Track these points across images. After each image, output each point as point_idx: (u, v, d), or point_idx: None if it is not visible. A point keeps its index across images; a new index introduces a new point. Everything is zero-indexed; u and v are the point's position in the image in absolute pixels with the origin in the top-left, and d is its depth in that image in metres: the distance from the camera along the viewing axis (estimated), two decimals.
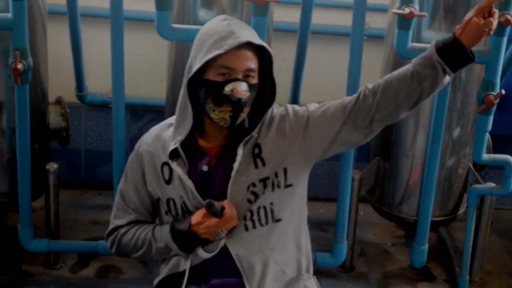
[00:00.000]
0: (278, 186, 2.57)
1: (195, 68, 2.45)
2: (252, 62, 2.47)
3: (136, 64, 4.29)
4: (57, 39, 4.02)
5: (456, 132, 3.67)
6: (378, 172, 3.89)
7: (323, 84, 4.44)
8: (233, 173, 2.54)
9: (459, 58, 2.47)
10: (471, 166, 3.78)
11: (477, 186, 3.65)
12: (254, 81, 2.50)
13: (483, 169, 3.99)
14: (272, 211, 2.57)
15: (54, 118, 3.86)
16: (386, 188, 3.86)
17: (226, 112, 2.47)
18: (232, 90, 2.44)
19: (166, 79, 3.77)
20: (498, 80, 3.31)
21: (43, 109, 3.77)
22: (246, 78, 2.46)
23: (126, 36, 3.23)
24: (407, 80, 2.51)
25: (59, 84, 4.13)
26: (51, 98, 3.90)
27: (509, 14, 3.15)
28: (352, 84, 3.30)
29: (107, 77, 3.27)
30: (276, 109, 2.64)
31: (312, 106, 2.66)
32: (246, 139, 2.55)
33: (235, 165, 2.54)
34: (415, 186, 3.74)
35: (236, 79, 2.44)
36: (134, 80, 4.14)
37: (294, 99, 4.24)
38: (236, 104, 2.45)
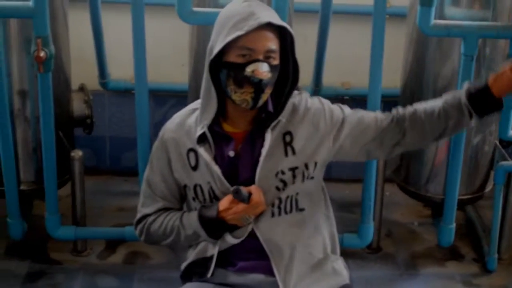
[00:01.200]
0: (307, 178, 2.58)
1: (216, 50, 2.43)
2: (272, 43, 2.46)
3: (158, 49, 4.27)
4: (78, 27, 4.02)
5: None
6: (403, 152, 3.86)
7: (346, 65, 4.43)
8: (261, 158, 2.53)
9: (487, 106, 2.57)
10: (497, 143, 3.75)
11: (504, 163, 3.62)
12: (275, 62, 2.48)
13: (509, 146, 3.95)
14: (296, 201, 2.58)
15: (77, 106, 3.88)
16: (412, 168, 3.85)
17: (247, 94, 2.46)
18: (253, 71, 2.43)
19: (188, 64, 3.77)
20: None
21: (66, 96, 3.78)
22: (267, 59, 2.45)
23: (147, 22, 3.22)
24: (434, 116, 2.61)
25: (82, 71, 4.15)
26: (74, 85, 3.92)
27: None
28: (375, 63, 3.27)
29: (129, 63, 3.27)
30: (309, 100, 2.63)
31: (347, 110, 2.70)
32: (273, 123, 2.54)
33: (264, 150, 2.53)
34: (441, 165, 3.72)
35: (257, 60, 2.43)
36: (156, 66, 4.13)
37: (317, 80, 4.23)
38: (258, 85, 2.44)
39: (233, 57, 2.44)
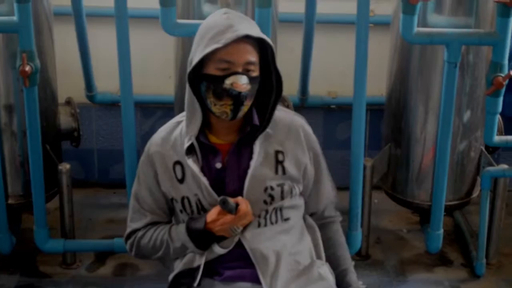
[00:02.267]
0: (295, 195, 2.63)
1: (194, 62, 2.45)
2: (251, 55, 2.47)
3: (145, 61, 4.31)
4: (64, 40, 4.04)
5: (467, 115, 3.66)
6: (390, 159, 3.89)
7: (332, 74, 4.45)
8: (250, 171, 2.55)
9: None
10: (483, 149, 3.77)
11: (490, 168, 3.64)
12: (255, 73, 2.50)
13: (495, 152, 3.99)
14: (281, 212, 2.61)
15: (64, 119, 3.89)
16: (399, 175, 3.86)
17: (227, 106, 2.48)
18: (232, 84, 2.44)
19: (174, 75, 3.78)
20: (506, 62, 3.28)
21: (53, 110, 3.78)
22: (246, 71, 2.46)
23: (133, 34, 3.23)
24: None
25: (69, 85, 4.15)
26: (61, 99, 3.92)
27: None
28: (360, 72, 3.27)
29: (116, 76, 3.27)
30: (306, 128, 2.68)
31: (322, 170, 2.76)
32: (260, 135, 2.56)
33: (252, 163, 2.55)
34: (427, 171, 3.74)
35: (236, 73, 2.45)
36: (143, 78, 4.15)
37: (303, 89, 4.25)
38: (237, 98, 2.46)
39: (212, 70, 2.46)
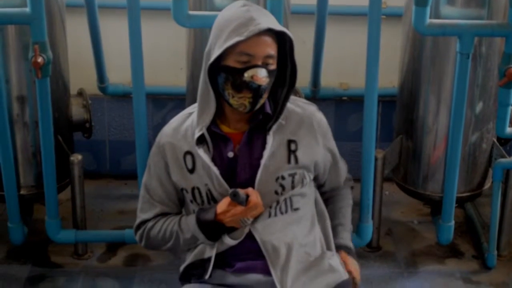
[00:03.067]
0: (305, 185, 2.64)
1: (215, 54, 2.44)
2: (271, 49, 2.47)
3: (156, 53, 4.31)
4: (76, 32, 4.05)
5: (479, 107, 3.65)
6: (402, 151, 3.88)
7: (344, 66, 4.44)
8: (263, 161, 2.55)
9: None
10: (495, 141, 3.76)
11: (502, 160, 3.64)
12: (273, 67, 2.50)
13: (507, 143, 3.97)
14: (291, 201, 2.61)
15: (76, 110, 3.89)
16: (410, 166, 3.86)
17: (245, 98, 2.48)
18: (252, 77, 2.44)
19: (186, 67, 3.78)
20: None
21: (65, 101, 3.80)
22: (265, 64, 2.46)
23: (145, 26, 3.24)
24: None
25: (81, 76, 4.17)
26: (73, 90, 3.93)
27: None
28: (372, 64, 3.27)
29: (128, 67, 3.28)
30: (318, 115, 2.68)
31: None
32: (274, 126, 2.56)
33: (265, 153, 2.55)
34: (439, 163, 3.73)
35: (256, 66, 2.45)
36: (155, 70, 4.17)
37: (315, 81, 4.24)
38: (256, 91, 2.46)
39: (231, 62, 2.45)
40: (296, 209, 2.62)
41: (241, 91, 2.47)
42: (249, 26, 2.41)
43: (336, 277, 2.61)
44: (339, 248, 2.74)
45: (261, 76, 2.45)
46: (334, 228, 2.79)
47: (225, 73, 2.47)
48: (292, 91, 2.60)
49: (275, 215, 2.59)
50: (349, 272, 2.66)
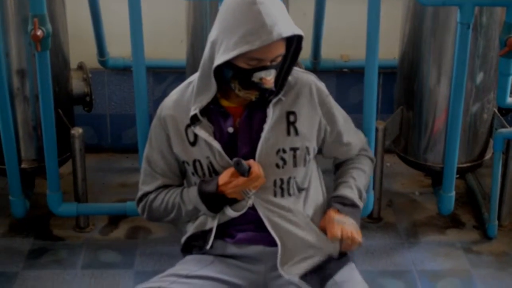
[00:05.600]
0: (308, 162, 2.62)
1: (224, 58, 2.38)
2: (281, 49, 2.44)
3: (157, 26, 4.29)
4: (76, 5, 4.03)
5: (479, 77, 3.64)
6: (402, 122, 3.88)
7: (344, 37, 4.41)
8: (263, 134, 2.55)
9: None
10: (496, 111, 3.76)
11: (503, 130, 3.63)
12: (280, 58, 2.47)
13: (508, 114, 3.97)
14: (296, 182, 2.61)
15: (76, 84, 3.89)
16: (411, 137, 3.86)
17: (252, 94, 2.49)
18: (261, 79, 2.43)
19: (186, 40, 3.77)
20: None
21: (65, 75, 3.79)
22: (273, 61, 2.44)
23: None
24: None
25: (81, 50, 4.15)
26: (73, 64, 3.92)
27: None
28: (372, 35, 3.25)
29: (128, 41, 3.26)
30: (318, 84, 2.66)
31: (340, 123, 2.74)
32: (274, 100, 2.55)
33: (266, 126, 2.55)
34: (440, 134, 3.73)
35: (265, 68, 2.42)
36: (155, 43, 4.15)
37: (316, 53, 4.23)
38: (264, 90, 2.47)
39: (240, 62, 2.42)
40: (302, 190, 2.63)
41: (248, 89, 2.47)
42: (261, 34, 2.34)
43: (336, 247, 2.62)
44: (332, 201, 2.66)
45: (270, 77, 2.44)
46: (336, 187, 2.75)
47: (232, 71, 2.45)
48: (294, 64, 2.57)
49: (282, 195, 2.59)
50: (341, 241, 2.56)
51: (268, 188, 2.57)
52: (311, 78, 2.66)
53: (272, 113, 2.56)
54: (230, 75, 2.46)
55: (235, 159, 2.48)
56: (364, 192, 2.74)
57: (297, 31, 2.43)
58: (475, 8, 3.27)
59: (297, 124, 2.58)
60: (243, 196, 2.55)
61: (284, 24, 2.39)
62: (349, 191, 2.68)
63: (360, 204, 2.69)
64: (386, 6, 3.35)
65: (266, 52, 2.39)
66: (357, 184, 2.72)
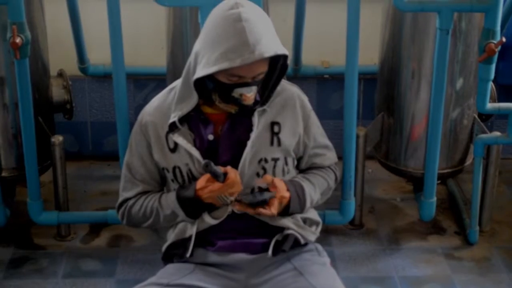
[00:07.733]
0: (287, 173, 2.64)
1: (203, 73, 2.38)
2: (264, 67, 2.44)
3: (137, 33, 4.28)
4: (55, 12, 4.01)
5: (459, 83, 3.65)
6: (383, 128, 3.88)
7: (324, 43, 4.42)
8: (249, 142, 2.55)
9: None
10: (476, 117, 3.77)
11: (483, 135, 3.64)
12: (262, 75, 2.47)
13: (488, 119, 3.98)
14: None
15: (57, 91, 3.88)
16: (392, 143, 3.86)
17: (232, 108, 2.51)
18: (241, 95, 2.44)
19: (166, 47, 3.76)
20: (498, 28, 3.27)
21: (45, 82, 3.78)
22: (255, 78, 2.44)
23: (125, 6, 3.21)
24: None
25: (61, 57, 4.14)
26: (53, 71, 3.90)
27: None
28: (351, 41, 3.27)
29: (108, 48, 3.26)
30: (302, 97, 2.67)
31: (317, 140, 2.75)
32: (259, 109, 2.56)
33: (252, 135, 2.55)
34: (420, 140, 3.74)
35: (246, 84, 2.43)
36: (136, 50, 4.14)
37: (296, 60, 4.24)
38: (243, 106, 2.48)
39: (221, 77, 2.42)
40: None
41: (228, 103, 2.48)
42: (242, 52, 2.33)
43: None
44: (296, 180, 2.67)
45: (250, 94, 2.44)
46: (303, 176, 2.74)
47: (213, 83, 2.46)
48: (282, 78, 2.58)
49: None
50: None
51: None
52: (297, 91, 2.68)
53: (258, 121, 2.56)
54: (211, 87, 2.47)
55: (204, 160, 2.46)
56: (316, 202, 2.75)
57: (281, 50, 2.42)
58: (454, 14, 3.28)
59: (281, 135, 2.59)
60: (220, 202, 2.54)
61: (268, 43, 2.38)
62: (311, 189, 2.69)
63: (308, 206, 2.68)
64: (366, 12, 3.36)
65: (247, 70, 2.39)
66: (316, 186, 2.73)
